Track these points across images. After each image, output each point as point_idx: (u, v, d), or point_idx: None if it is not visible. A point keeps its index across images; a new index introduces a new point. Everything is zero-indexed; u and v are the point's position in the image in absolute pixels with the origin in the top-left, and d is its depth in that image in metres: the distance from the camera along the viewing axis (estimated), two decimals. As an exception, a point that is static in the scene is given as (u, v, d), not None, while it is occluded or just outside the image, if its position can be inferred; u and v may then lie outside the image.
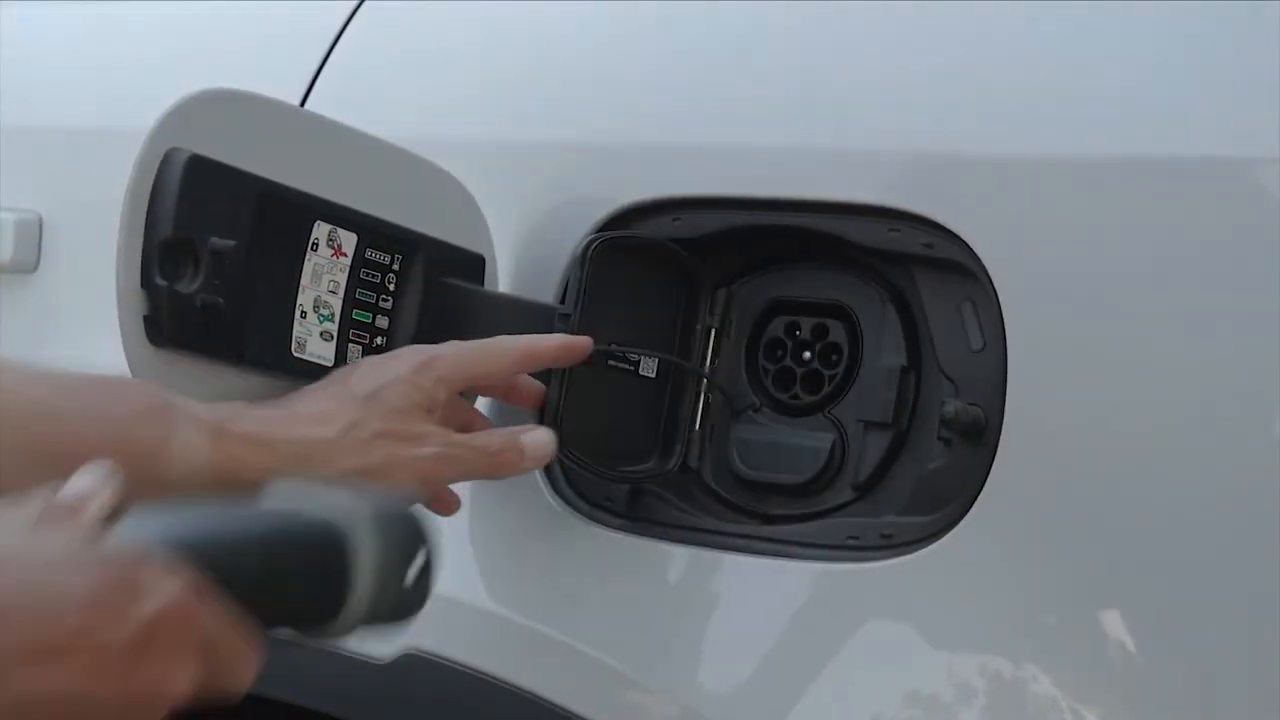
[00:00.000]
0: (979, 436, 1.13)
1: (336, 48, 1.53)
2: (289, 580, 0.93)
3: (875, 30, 1.24)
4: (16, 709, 0.77)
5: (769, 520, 1.23)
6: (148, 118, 1.19)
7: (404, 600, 0.98)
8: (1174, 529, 1.06)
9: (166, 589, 0.84)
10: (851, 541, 1.18)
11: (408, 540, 0.97)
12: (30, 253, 1.71)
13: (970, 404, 1.14)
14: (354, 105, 1.43)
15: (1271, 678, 1.02)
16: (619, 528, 1.26)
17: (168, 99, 1.21)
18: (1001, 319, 1.13)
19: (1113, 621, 1.07)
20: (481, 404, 1.34)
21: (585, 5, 1.41)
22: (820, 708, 1.16)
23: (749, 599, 1.21)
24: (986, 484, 1.12)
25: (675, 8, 1.35)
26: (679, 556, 1.24)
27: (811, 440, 1.22)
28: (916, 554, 1.14)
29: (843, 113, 1.23)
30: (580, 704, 1.23)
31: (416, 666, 1.31)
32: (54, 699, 0.79)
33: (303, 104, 1.51)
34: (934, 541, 1.14)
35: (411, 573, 0.97)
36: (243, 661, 0.89)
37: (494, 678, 1.27)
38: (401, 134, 1.32)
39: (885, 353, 1.20)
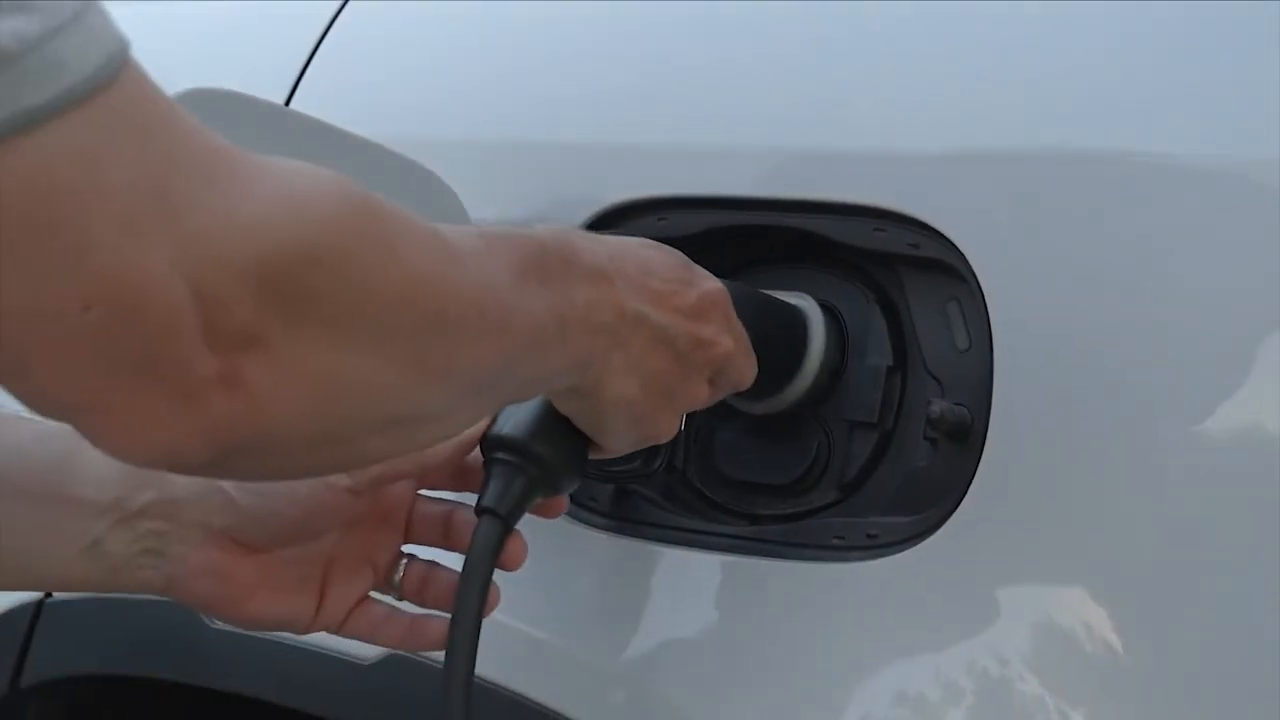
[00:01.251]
0: (965, 436, 1.13)
1: (322, 46, 1.52)
2: (769, 337, 1.16)
3: (860, 28, 1.24)
4: (636, 323, 1.04)
5: (754, 520, 1.23)
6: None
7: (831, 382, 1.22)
8: (1162, 528, 1.06)
9: (714, 283, 1.11)
10: (837, 541, 1.17)
11: (840, 335, 1.22)
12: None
13: (956, 404, 1.14)
14: (338, 104, 1.43)
15: (1261, 678, 1.02)
16: (604, 528, 1.26)
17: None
18: (987, 318, 1.13)
19: (1099, 621, 1.07)
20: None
21: (571, 5, 1.40)
22: (806, 708, 1.15)
23: (734, 599, 1.21)
24: (972, 484, 1.11)
25: (661, 8, 1.34)
26: (664, 557, 1.24)
27: (797, 440, 1.22)
28: (902, 554, 1.14)
29: (828, 112, 1.23)
30: (565, 704, 1.23)
31: (401, 666, 1.31)
32: (650, 325, 1.05)
33: (288, 103, 1.51)
34: (920, 542, 1.13)
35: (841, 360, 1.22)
36: (749, 365, 1.14)
37: (479, 678, 1.27)
38: (386, 133, 1.31)
39: (871, 353, 1.20)
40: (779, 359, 1.19)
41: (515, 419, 1.09)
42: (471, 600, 1.06)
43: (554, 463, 1.09)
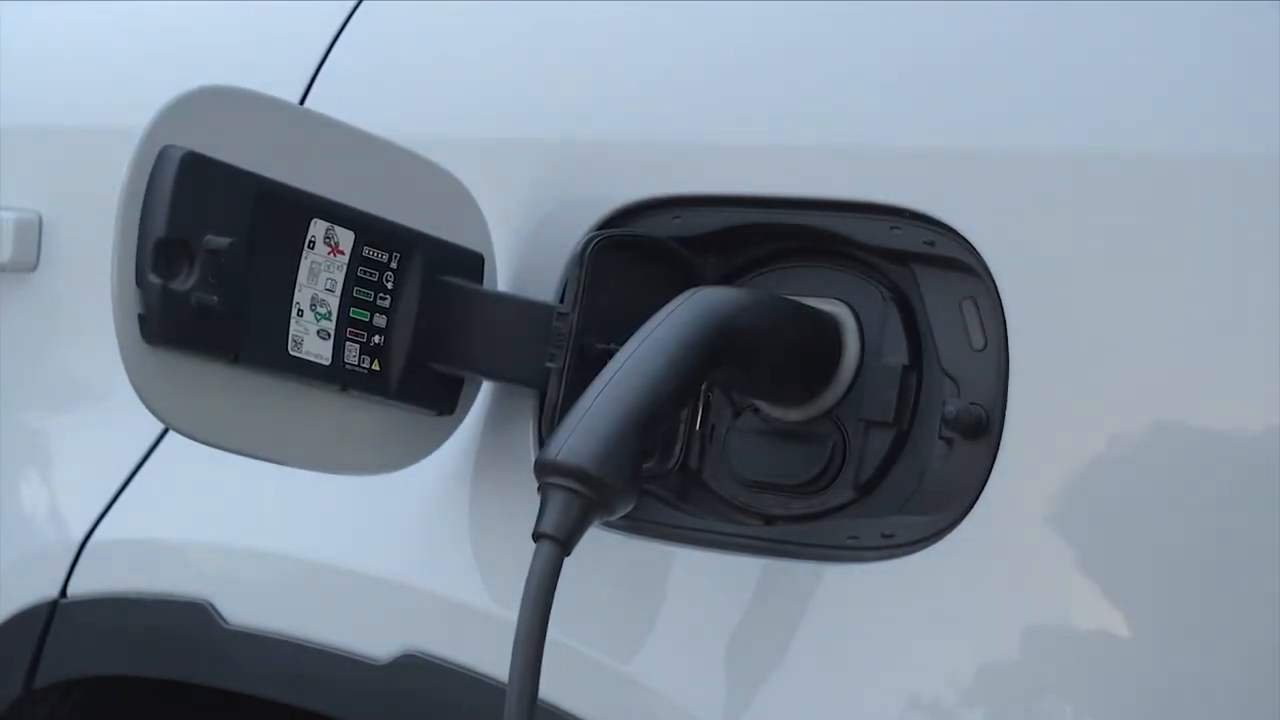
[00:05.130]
0: (981, 436, 1.13)
1: (336, 46, 1.52)
2: (801, 346, 1.18)
3: (876, 26, 1.23)
4: None
5: (769, 521, 1.23)
6: (147, 116, 1.19)
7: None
8: (1177, 529, 1.06)
9: None
10: (852, 542, 1.17)
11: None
12: (30, 252, 1.70)
13: (972, 403, 1.13)
14: (352, 103, 1.43)
15: (1274, 679, 1.02)
16: (618, 528, 1.25)
17: (167, 97, 1.20)
18: (1003, 317, 1.12)
19: (1115, 622, 1.07)
20: (474, 409, 1.33)
21: (584, 4, 1.40)
22: (821, 710, 1.15)
23: (749, 600, 1.20)
24: (988, 484, 1.11)
25: (675, 6, 1.34)
26: (679, 557, 1.23)
27: (812, 440, 1.21)
28: (918, 554, 1.13)
29: (843, 109, 1.23)
30: (579, 705, 1.23)
31: (415, 667, 1.31)
32: None
33: (302, 102, 1.51)
34: (935, 542, 1.13)
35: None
36: None
37: (492, 678, 1.27)
38: (400, 132, 1.32)
39: (887, 352, 1.20)
40: (813, 367, 1.19)
41: (568, 443, 1.10)
42: (533, 626, 1.07)
43: (608, 485, 1.09)
